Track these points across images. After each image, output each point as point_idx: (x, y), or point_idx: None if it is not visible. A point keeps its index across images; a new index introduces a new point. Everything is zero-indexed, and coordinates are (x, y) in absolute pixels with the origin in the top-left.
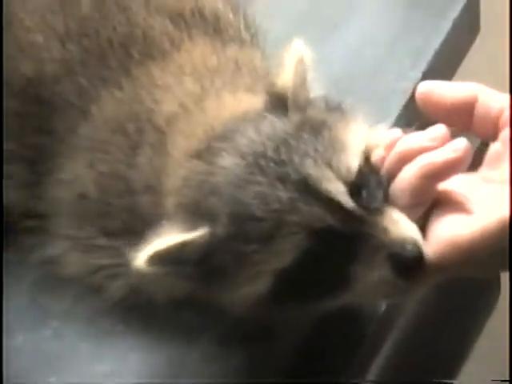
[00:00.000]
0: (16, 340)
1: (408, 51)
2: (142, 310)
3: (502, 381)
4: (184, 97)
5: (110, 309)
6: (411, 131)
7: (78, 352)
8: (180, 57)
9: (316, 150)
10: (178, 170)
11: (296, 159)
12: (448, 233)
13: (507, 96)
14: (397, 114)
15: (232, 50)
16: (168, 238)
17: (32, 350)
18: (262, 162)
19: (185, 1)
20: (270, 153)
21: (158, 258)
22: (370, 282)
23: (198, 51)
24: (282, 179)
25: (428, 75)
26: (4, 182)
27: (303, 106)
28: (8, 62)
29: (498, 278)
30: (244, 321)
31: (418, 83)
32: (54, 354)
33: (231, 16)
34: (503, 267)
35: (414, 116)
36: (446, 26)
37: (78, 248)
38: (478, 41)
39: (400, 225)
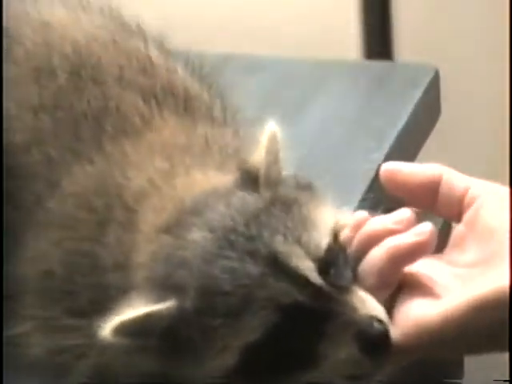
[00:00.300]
0: None
1: (372, 133)
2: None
3: (502, 381)
4: (154, 174)
5: None
6: (377, 214)
7: None
8: (150, 134)
9: (286, 227)
10: (147, 246)
11: (266, 234)
12: (415, 315)
13: (470, 178)
14: (361, 196)
15: (202, 128)
16: (134, 309)
17: None
18: (232, 237)
19: (156, 78)
20: (239, 227)
21: (124, 329)
22: (338, 360)
23: (168, 129)
24: (252, 254)
25: (391, 157)
26: None
27: (275, 183)
28: None
29: None
30: None
31: (380, 165)
32: None
33: (203, 94)
34: (468, 350)
35: (378, 197)
36: (408, 108)
37: (43, 328)
38: (439, 123)
39: (367, 304)
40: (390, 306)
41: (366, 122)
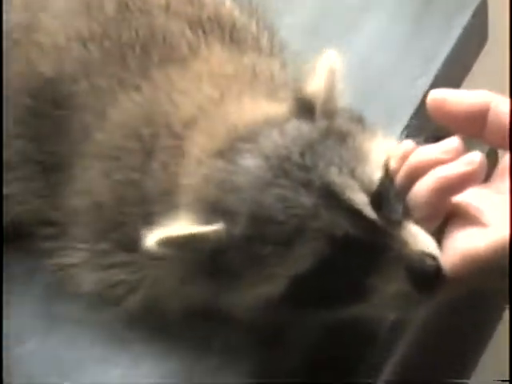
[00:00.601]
0: (29, 345)
1: (417, 58)
2: (155, 318)
3: (502, 381)
4: (203, 101)
5: (123, 316)
6: (423, 142)
7: (92, 357)
8: (197, 63)
9: (341, 159)
10: (198, 168)
11: (320, 165)
12: (464, 245)
13: None
14: (406, 122)
15: (249, 59)
16: (182, 226)
17: (45, 354)
18: (286, 166)
19: (203, 8)
20: (294, 157)
21: (169, 243)
22: (387, 294)
23: (215, 58)
24: (306, 184)
25: (437, 83)
26: (21, 185)
27: (331, 114)
28: (28, 65)
29: None
30: (255, 326)
31: (426, 90)
32: (68, 359)
33: (250, 26)
34: None
35: (423, 123)
36: (456, 32)
37: (95, 263)
38: (486, 48)
39: (419, 238)
40: (438, 237)
41: (413, 47)
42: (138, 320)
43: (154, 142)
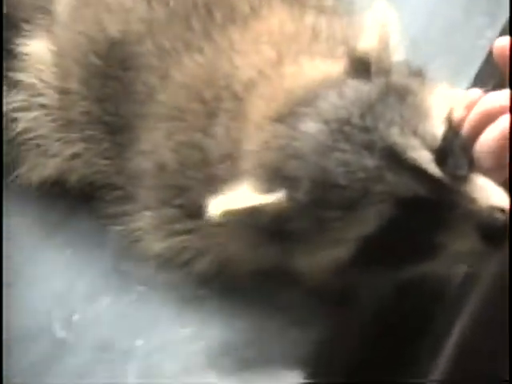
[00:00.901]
0: (101, 304)
1: (484, 11)
2: (224, 278)
3: (502, 381)
4: (262, 63)
5: (192, 277)
6: (490, 90)
7: (162, 316)
8: (258, 23)
9: (402, 117)
10: (258, 134)
11: (381, 126)
12: None
13: None
14: (475, 72)
15: (310, 17)
16: (245, 196)
17: (118, 314)
18: (347, 129)
19: None
20: (354, 119)
21: (232, 214)
22: (458, 251)
23: (276, 18)
24: (368, 147)
25: (505, 33)
26: (87, 146)
27: (387, 70)
28: (95, 24)
29: None
30: (324, 287)
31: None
32: (139, 318)
33: None
34: None
35: (492, 74)
36: None
37: (161, 229)
38: None
39: (487, 192)
40: (508, 187)
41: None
42: (206, 281)
43: (216, 104)
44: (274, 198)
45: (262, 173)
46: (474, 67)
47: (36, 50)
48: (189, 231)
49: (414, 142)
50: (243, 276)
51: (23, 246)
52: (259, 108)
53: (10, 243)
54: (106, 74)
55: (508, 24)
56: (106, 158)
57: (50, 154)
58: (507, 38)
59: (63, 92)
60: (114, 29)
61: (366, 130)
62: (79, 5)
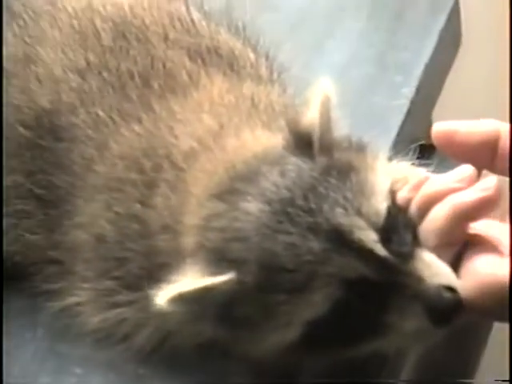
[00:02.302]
0: None
1: (397, 68)
2: (165, 354)
3: (502, 381)
4: (203, 133)
5: (131, 353)
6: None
7: None
8: (198, 93)
9: (345, 198)
10: (199, 209)
11: (325, 207)
12: (483, 271)
13: None
14: (396, 133)
15: (249, 87)
16: (192, 280)
17: None
18: (291, 210)
19: (200, 38)
20: (298, 200)
21: (181, 299)
22: (406, 332)
23: (215, 88)
24: (313, 229)
25: (420, 90)
26: (19, 222)
27: (329, 148)
28: (24, 94)
29: None
30: (271, 368)
31: (412, 98)
32: None
33: (248, 53)
34: None
35: (414, 132)
36: (433, 39)
37: (100, 302)
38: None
39: (433, 270)
40: (455, 265)
41: (391, 58)
42: (147, 358)
43: (156, 175)
44: (223, 279)
45: (206, 254)
46: (394, 126)
47: None
48: (128, 303)
49: (359, 222)
50: (187, 349)
51: None
52: (200, 181)
53: None
54: (37, 146)
55: (421, 82)
56: (38, 233)
57: None
58: (447, 124)
59: None
60: (43, 99)
61: (310, 211)
62: (7, 75)
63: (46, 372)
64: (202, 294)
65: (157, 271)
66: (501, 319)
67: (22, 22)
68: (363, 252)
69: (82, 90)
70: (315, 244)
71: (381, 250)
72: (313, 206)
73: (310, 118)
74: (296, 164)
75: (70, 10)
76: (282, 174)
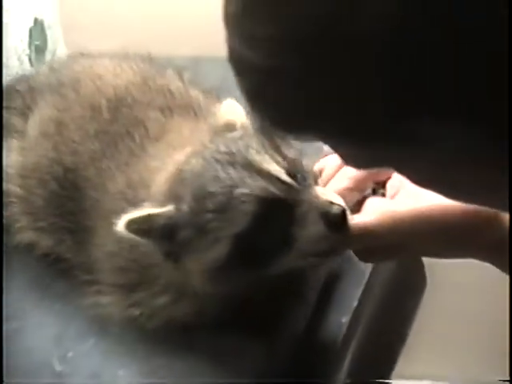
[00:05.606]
0: (88, 343)
1: None
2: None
3: (502, 381)
4: (168, 163)
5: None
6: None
7: (139, 349)
8: (168, 136)
9: (258, 145)
10: (164, 183)
11: (242, 149)
12: (384, 206)
13: None
14: None
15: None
16: (142, 211)
17: (102, 350)
18: (217, 156)
19: (174, 97)
20: (222, 148)
21: (132, 224)
22: (308, 239)
23: (183, 130)
24: (232, 164)
25: None
26: (59, 248)
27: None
28: (54, 152)
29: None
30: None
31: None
32: (120, 352)
33: (203, 100)
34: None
35: None
36: None
37: (121, 300)
38: None
39: (327, 194)
40: (360, 206)
41: None
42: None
43: (136, 201)
44: (164, 209)
45: (158, 197)
46: None
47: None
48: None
49: (268, 158)
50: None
51: (24, 299)
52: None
53: (10, 297)
54: (61, 195)
55: None
56: (74, 253)
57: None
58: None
59: (29, 205)
60: (68, 159)
61: (230, 153)
62: (42, 135)
63: (94, 331)
64: (148, 220)
65: (146, 279)
66: (403, 252)
67: (56, 95)
68: (271, 177)
69: (92, 151)
70: (233, 173)
71: (286, 178)
72: (233, 149)
73: (225, 115)
74: (224, 136)
75: (84, 92)
76: (214, 143)
